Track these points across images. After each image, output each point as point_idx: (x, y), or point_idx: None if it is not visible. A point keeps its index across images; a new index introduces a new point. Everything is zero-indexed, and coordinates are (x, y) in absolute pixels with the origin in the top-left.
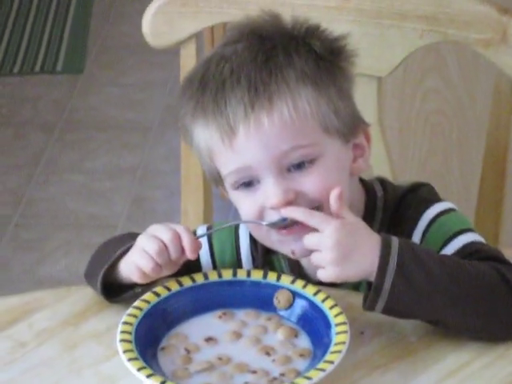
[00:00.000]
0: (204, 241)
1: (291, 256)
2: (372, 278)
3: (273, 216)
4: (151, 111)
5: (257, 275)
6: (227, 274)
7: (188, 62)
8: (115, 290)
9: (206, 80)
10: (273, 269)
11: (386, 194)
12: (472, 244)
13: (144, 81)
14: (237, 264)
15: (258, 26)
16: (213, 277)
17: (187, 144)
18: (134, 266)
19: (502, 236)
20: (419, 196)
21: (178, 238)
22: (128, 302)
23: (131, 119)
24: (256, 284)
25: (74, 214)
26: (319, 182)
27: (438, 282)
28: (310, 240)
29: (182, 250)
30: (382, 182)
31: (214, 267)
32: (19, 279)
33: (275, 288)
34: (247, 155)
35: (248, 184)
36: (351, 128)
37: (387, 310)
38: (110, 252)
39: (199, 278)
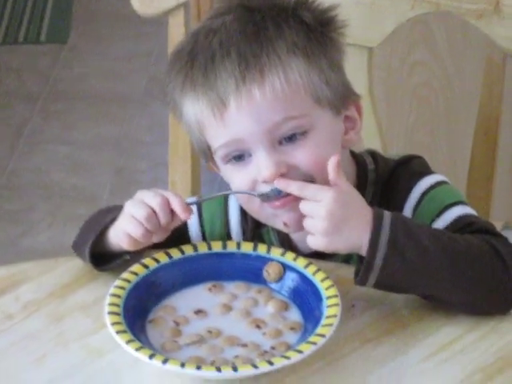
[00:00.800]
0: (194, 213)
1: (284, 229)
2: (362, 252)
3: (265, 189)
4: (135, 82)
5: (247, 247)
6: (217, 246)
7: (176, 31)
8: (104, 259)
9: (195, 53)
10: (262, 242)
11: (377, 167)
12: (464, 217)
13: (128, 52)
14: (226, 237)
15: None
16: (202, 249)
17: (176, 118)
18: (122, 232)
19: (493, 208)
20: (410, 168)
21: (166, 202)
22: (116, 273)
23: (115, 90)
24: (246, 256)
25: (57, 185)
26: (311, 155)
27: (431, 257)
28: (304, 206)
29: (172, 215)
30: (373, 154)
31: (204, 240)
32: (2, 251)
33: (265, 260)
34: (238, 128)
35: (239, 157)
36: (342, 99)
37: (379, 285)
38: (98, 222)
39: (188, 250)
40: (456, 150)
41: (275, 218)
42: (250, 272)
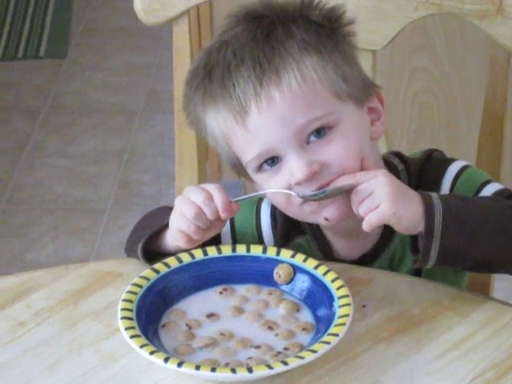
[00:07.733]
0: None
1: (325, 223)
2: (419, 229)
3: (301, 191)
4: (136, 95)
5: (256, 250)
6: (227, 250)
7: (180, 38)
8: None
9: (211, 67)
10: (303, 252)
11: (407, 166)
12: (501, 191)
13: (128, 65)
14: (258, 243)
15: (253, 8)
16: (212, 252)
17: (202, 137)
18: (177, 230)
19: None
20: (437, 158)
21: (210, 198)
22: (126, 279)
23: (116, 103)
24: (256, 259)
25: (61, 198)
26: (341, 149)
27: (484, 216)
28: (359, 190)
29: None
30: (398, 155)
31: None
32: (7, 265)
33: (275, 263)
34: (264, 134)
35: (272, 162)
36: (363, 92)
37: (441, 257)
38: (152, 223)
39: (198, 254)
40: (458, 155)
41: (314, 215)
42: (261, 274)
